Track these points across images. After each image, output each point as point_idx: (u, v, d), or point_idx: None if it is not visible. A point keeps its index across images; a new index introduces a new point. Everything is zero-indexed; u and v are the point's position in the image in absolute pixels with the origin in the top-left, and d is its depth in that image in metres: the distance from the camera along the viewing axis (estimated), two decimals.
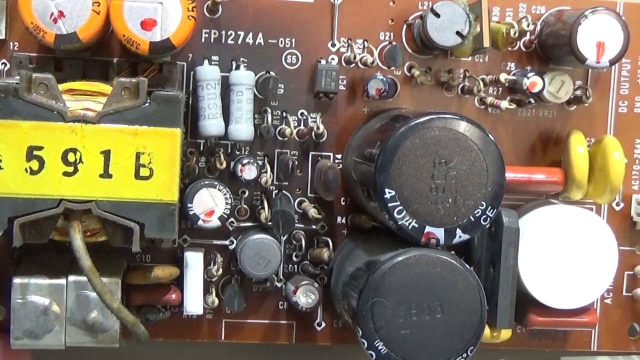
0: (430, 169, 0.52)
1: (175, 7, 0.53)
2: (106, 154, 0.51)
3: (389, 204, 0.52)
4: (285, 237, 0.60)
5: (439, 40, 0.57)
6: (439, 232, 0.52)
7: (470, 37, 0.57)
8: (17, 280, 0.53)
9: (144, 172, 0.51)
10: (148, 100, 0.51)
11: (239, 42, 0.58)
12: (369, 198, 0.54)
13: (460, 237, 0.52)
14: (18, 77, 0.51)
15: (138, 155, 0.51)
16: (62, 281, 0.53)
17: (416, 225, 0.52)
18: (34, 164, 0.50)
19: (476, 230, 0.52)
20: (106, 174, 0.51)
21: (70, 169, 0.51)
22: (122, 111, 0.51)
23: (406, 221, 0.52)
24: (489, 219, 0.52)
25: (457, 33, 0.56)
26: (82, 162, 0.51)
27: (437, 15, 0.57)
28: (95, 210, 0.51)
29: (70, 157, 0.51)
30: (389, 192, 0.52)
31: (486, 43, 0.56)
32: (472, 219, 0.52)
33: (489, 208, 0.52)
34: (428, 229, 0.52)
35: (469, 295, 0.52)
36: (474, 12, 0.57)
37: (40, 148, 0.50)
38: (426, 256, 0.52)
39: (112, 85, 0.52)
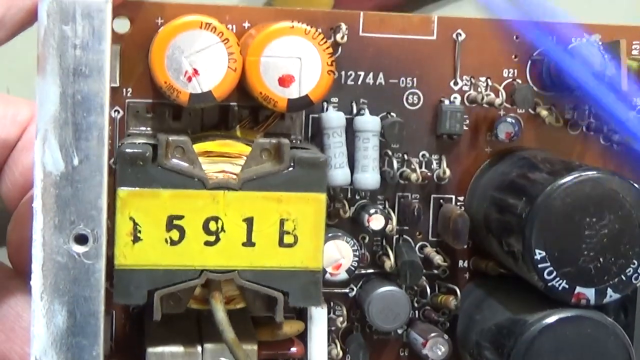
0: (581, 227, 0.50)
1: (315, 61, 0.50)
2: (249, 221, 0.48)
3: (539, 265, 0.50)
4: None
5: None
6: (590, 293, 0.50)
7: (607, 78, 0.54)
8: (151, 350, 0.50)
9: (288, 239, 0.49)
10: (292, 164, 0.49)
11: (359, 82, 0.56)
12: (510, 254, 0.52)
13: (611, 296, 0.51)
14: (138, 135, 0.49)
15: (282, 222, 0.49)
16: (198, 349, 0.51)
17: (567, 287, 0.50)
18: (174, 234, 0.48)
19: (628, 289, 0.51)
20: (249, 242, 0.48)
21: (212, 238, 0.48)
22: (265, 176, 0.48)
23: (556, 282, 0.50)
24: None
25: (594, 75, 0.54)
26: (224, 231, 0.48)
27: (574, 57, 0.54)
28: (238, 280, 0.49)
29: (212, 226, 0.48)
30: (539, 253, 0.50)
31: (625, 87, 0.54)
32: (624, 278, 0.50)
33: None
34: (578, 289, 0.50)
35: (620, 356, 0.51)
36: (610, 51, 0.54)
37: (180, 217, 0.48)
38: (576, 317, 0.51)
39: (248, 144, 0.50)
